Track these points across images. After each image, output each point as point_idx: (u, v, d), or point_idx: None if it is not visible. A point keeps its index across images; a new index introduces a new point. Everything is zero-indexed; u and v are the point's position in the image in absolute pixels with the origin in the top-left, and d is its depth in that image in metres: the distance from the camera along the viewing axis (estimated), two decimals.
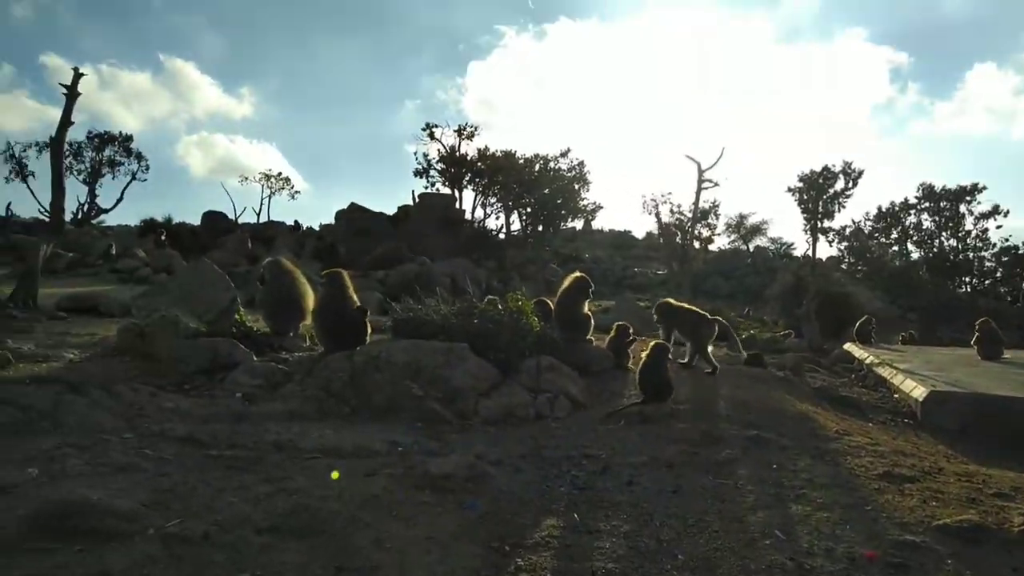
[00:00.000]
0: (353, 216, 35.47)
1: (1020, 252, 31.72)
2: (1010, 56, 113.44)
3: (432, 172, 40.44)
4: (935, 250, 33.56)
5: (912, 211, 34.29)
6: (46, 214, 17.01)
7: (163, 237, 29.92)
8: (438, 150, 40.49)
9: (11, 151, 36.46)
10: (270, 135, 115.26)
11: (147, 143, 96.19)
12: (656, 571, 2.86)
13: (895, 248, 35.47)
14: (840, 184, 32.43)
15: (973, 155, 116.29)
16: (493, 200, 41.20)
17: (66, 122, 14.54)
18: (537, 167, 41.27)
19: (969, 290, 32.88)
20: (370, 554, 2.89)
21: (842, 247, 34.96)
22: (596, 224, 51.28)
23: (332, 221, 37.33)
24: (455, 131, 40.41)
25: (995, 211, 32.34)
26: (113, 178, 39.97)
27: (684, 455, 4.37)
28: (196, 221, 38.01)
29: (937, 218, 33.79)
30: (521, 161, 40.69)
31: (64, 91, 14.43)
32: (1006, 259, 32.12)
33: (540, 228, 42.54)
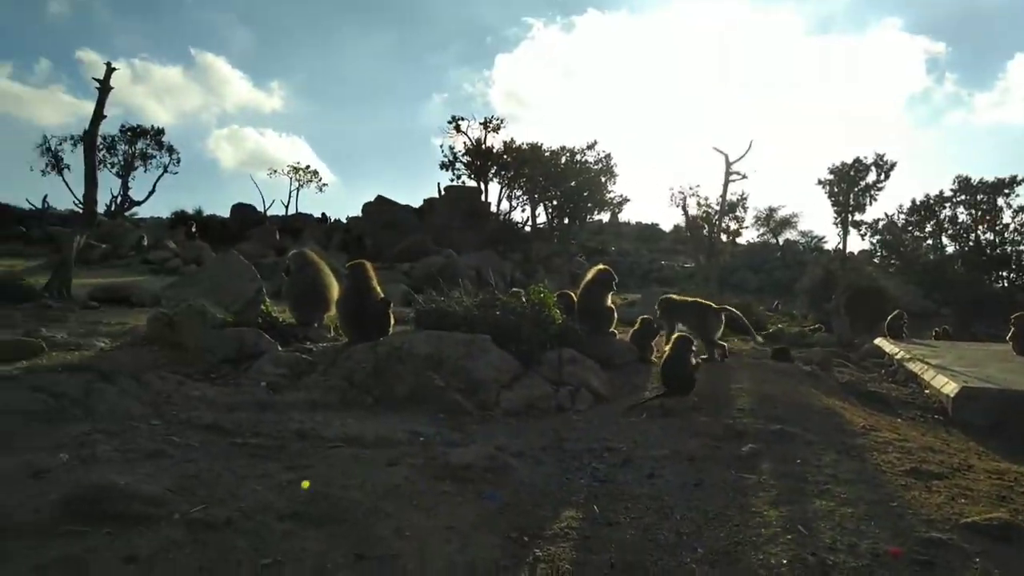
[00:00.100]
0: (379, 209, 35.69)
1: None
2: None
3: (458, 165, 40.54)
4: (971, 243, 32.81)
5: (947, 204, 33.57)
6: (80, 206, 17.38)
7: (193, 229, 30.44)
8: (464, 143, 40.56)
9: (47, 145, 37.41)
10: (299, 128, 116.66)
11: (178, 136, 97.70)
12: (675, 564, 2.84)
13: (929, 242, 34.78)
14: (872, 176, 31.84)
15: (1012, 146, 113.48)
16: (519, 193, 41.20)
17: (99, 116, 14.74)
18: (563, 159, 41.12)
19: (1006, 284, 32.10)
20: (390, 543, 2.91)
21: (874, 240, 34.36)
22: (623, 217, 51.06)
23: (359, 214, 37.59)
24: (481, 124, 40.44)
25: None
26: (145, 171, 40.76)
27: (706, 449, 4.34)
28: (226, 213, 38.60)
29: (973, 211, 33.03)
30: (547, 153, 40.58)
31: (97, 85, 14.64)
32: None
33: (566, 221, 42.42)
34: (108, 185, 39.06)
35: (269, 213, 41.09)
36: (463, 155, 40.40)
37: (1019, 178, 31.89)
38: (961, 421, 6.21)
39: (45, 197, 34.29)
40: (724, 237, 36.64)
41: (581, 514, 3.35)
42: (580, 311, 7.55)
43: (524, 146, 40.14)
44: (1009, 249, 32.12)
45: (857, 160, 32.17)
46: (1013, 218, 31.90)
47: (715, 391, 5.83)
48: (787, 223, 45.48)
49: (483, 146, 40.09)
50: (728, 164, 27.66)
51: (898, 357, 9.68)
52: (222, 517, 2.97)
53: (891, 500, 3.52)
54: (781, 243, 45.47)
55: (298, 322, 7.54)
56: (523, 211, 41.90)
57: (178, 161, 41.24)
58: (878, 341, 12.38)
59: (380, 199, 36.71)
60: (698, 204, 36.09)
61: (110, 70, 14.86)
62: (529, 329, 6.21)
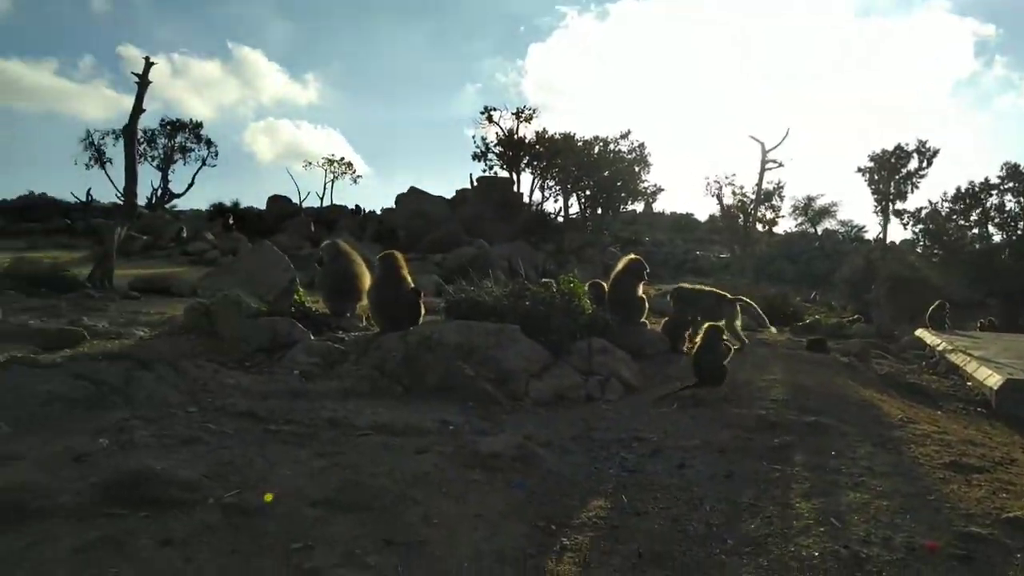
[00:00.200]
0: (412, 200, 35.90)
1: None
2: None
3: (490, 155, 40.48)
4: (1019, 232, 31.72)
5: (994, 191, 32.45)
6: (122, 199, 17.87)
7: (230, 221, 31.01)
8: (496, 133, 40.45)
9: (91, 139, 38.43)
10: (334, 120, 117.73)
11: (216, 129, 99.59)
12: (704, 555, 2.81)
13: (975, 231, 33.70)
14: (914, 164, 30.94)
15: None
16: (551, 183, 41.01)
17: (138, 110, 15.09)
18: (596, 149, 40.78)
19: None
20: (419, 529, 2.94)
21: (917, 230, 33.42)
22: (657, 207, 50.44)
23: (392, 205, 37.86)
24: (514, 114, 40.27)
25: None
26: (184, 164, 41.65)
27: (738, 440, 4.28)
28: (262, 205, 39.19)
29: (1022, 199, 31.89)
30: (580, 143, 40.26)
31: (136, 80, 14.98)
32: None
33: (599, 211, 42.13)
34: (149, 178, 40.03)
35: (304, 205, 41.65)
36: (495, 146, 40.35)
37: None
38: (1005, 414, 6.02)
39: (89, 190, 35.32)
40: (760, 227, 36.07)
41: (609, 504, 3.34)
42: (611, 301, 7.51)
43: (557, 136, 39.91)
44: None
45: (898, 147, 31.31)
46: None
47: (748, 382, 5.75)
48: (826, 212, 44.57)
49: (515, 136, 39.96)
50: (764, 152, 27.19)
51: (940, 348, 9.43)
52: (255, 502, 3.03)
53: (928, 493, 3.44)
54: (820, 233, 44.59)
55: (331, 312, 7.64)
56: (556, 201, 41.73)
57: (216, 154, 42.10)
58: (919, 332, 12.09)
59: (413, 190, 36.91)
60: (733, 193, 35.58)
61: (148, 64, 15.20)
62: (559, 319, 6.20)
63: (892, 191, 31.17)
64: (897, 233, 33.40)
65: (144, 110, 15.40)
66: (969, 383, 7.25)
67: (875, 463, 3.88)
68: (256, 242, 10.56)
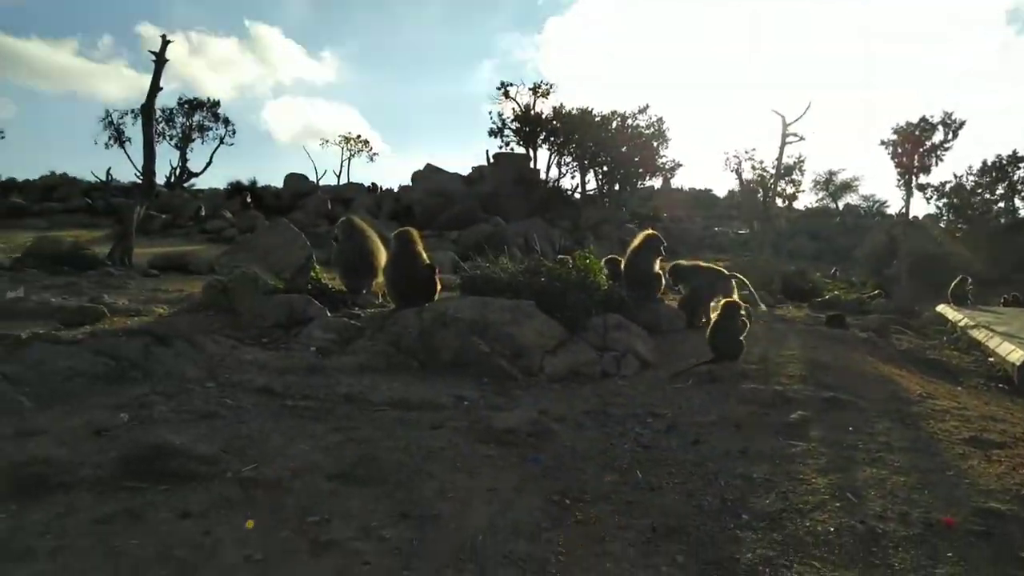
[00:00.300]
0: (429, 177, 35.80)
1: None
2: None
3: (507, 131, 40.11)
4: None
5: (1021, 164, 31.75)
6: (141, 178, 18.05)
7: (248, 199, 31.14)
8: (513, 109, 40.05)
9: (110, 118, 38.64)
10: (351, 98, 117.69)
11: (234, 108, 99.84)
12: (718, 529, 2.81)
13: (1001, 204, 33.06)
14: (939, 136, 30.26)
15: None
16: (568, 159, 40.61)
17: (155, 88, 15.12)
18: (614, 124, 40.28)
19: None
20: (433, 503, 2.96)
21: (940, 204, 32.84)
22: (675, 183, 49.91)
23: (409, 182, 37.79)
24: (530, 89, 39.81)
25: None
26: (203, 143, 41.79)
27: (754, 416, 4.25)
28: (279, 183, 39.26)
29: None
30: (597, 119, 39.77)
31: (153, 58, 15.00)
32: None
33: (616, 187, 41.74)
34: (167, 157, 40.35)
35: (321, 183, 41.69)
36: (512, 122, 39.97)
37: None
38: None
39: (108, 170, 35.39)
40: (780, 202, 35.60)
41: (623, 479, 3.34)
42: (627, 277, 7.46)
43: (574, 111, 39.44)
44: None
45: (923, 119, 30.61)
46: None
47: (765, 358, 5.70)
48: (847, 187, 44.02)
49: (532, 112, 39.56)
50: (785, 125, 26.73)
51: (961, 324, 9.30)
52: (272, 476, 3.07)
53: (947, 469, 3.40)
54: (841, 208, 44.00)
55: (347, 289, 7.66)
56: (572, 178, 41.32)
57: (233, 132, 42.19)
58: (941, 308, 11.92)
59: (429, 167, 36.79)
60: (753, 168, 35.08)
61: (165, 43, 15.20)
62: (574, 295, 6.17)
63: (916, 164, 30.54)
64: (920, 207, 32.89)
65: (161, 88, 15.47)
66: (991, 359, 7.15)
67: (893, 439, 3.84)
68: (273, 220, 10.60)
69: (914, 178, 30.88)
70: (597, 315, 6.18)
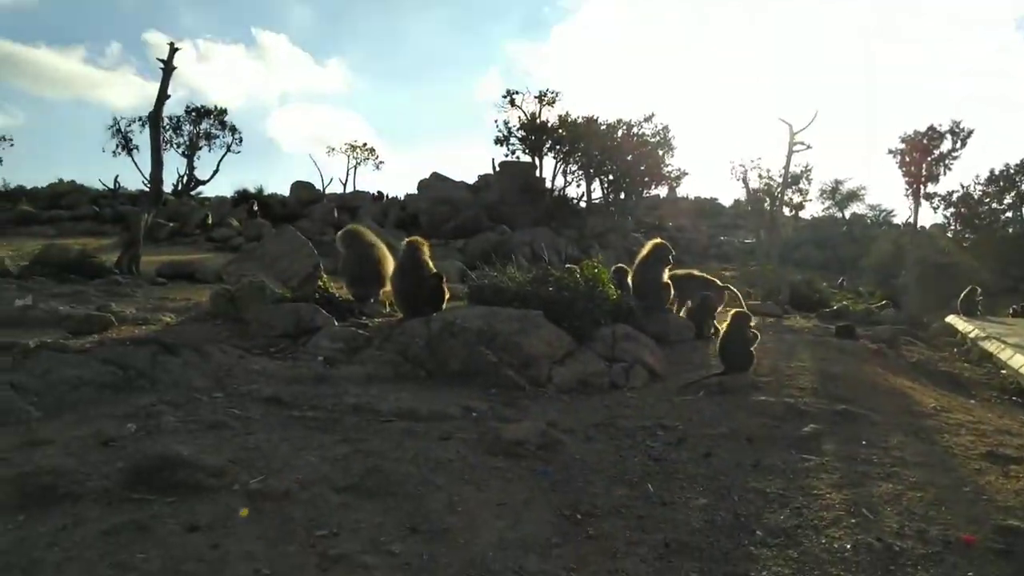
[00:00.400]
0: (434, 185, 35.84)
1: None
2: None
3: (512, 140, 40.08)
4: None
5: None
6: (149, 186, 18.15)
7: (255, 207, 31.21)
8: (519, 117, 40.04)
9: (117, 126, 38.79)
10: (357, 106, 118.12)
11: (240, 116, 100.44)
12: (732, 546, 2.76)
13: (1008, 214, 32.91)
14: (947, 145, 30.12)
15: None
16: (574, 167, 40.55)
17: (163, 96, 15.21)
18: (619, 133, 40.23)
19: None
20: (442, 516, 2.92)
21: (948, 213, 32.70)
22: (681, 191, 49.80)
23: (415, 191, 37.83)
24: (536, 97, 39.78)
25: None
26: (209, 151, 41.80)
27: (765, 428, 4.21)
28: (286, 191, 39.34)
29: None
30: (603, 127, 39.75)
31: (161, 66, 15.10)
32: None
33: (622, 196, 41.69)
34: (174, 165, 40.31)
35: (327, 191, 41.76)
36: (517, 130, 39.96)
37: None
38: None
39: (116, 177, 35.60)
40: (786, 210, 35.49)
41: (635, 492, 3.30)
42: (636, 287, 7.42)
43: (579, 119, 39.42)
44: None
45: (931, 128, 30.48)
46: None
47: (775, 369, 5.66)
48: (854, 196, 43.89)
49: (538, 120, 39.55)
50: (792, 134, 26.69)
51: (972, 335, 9.23)
52: (280, 488, 3.04)
53: (964, 485, 3.35)
54: (848, 217, 43.89)
55: (354, 298, 7.65)
56: (578, 186, 41.26)
57: (240, 140, 42.22)
58: (950, 319, 11.85)
59: (435, 175, 36.82)
60: (760, 176, 34.97)
61: (173, 50, 15.29)
62: (583, 305, 6.14)
63: (924, 173, 30.40)
64: (927, 217, 32.77)
65: (169, 96, 15.55)
66: (1003, 371, 7.09)
67: (907, 453, 3.79)
68: (280, 228, 10.60)
69: (922, 187, 30.75)
70: (605, 325, 6.15)
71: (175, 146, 39.90)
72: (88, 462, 3.19)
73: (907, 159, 30.41)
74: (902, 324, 11.79)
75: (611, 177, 40.71)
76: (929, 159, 30.22)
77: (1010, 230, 32.15)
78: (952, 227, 33.50)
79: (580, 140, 38.37)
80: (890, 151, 31.16)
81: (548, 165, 39.79)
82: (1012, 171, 31.82)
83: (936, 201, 32.44)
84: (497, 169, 37.22)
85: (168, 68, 15.13)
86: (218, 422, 3.90)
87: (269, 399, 4.42)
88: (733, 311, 5.77)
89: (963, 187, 32.39)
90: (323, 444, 3.66)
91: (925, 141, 30.21)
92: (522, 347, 5.50)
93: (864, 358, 6.51)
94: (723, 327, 5.66)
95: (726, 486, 3.36)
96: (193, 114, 41.24)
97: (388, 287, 7.37)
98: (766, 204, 35.45)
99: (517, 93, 39.62)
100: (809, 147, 27.21)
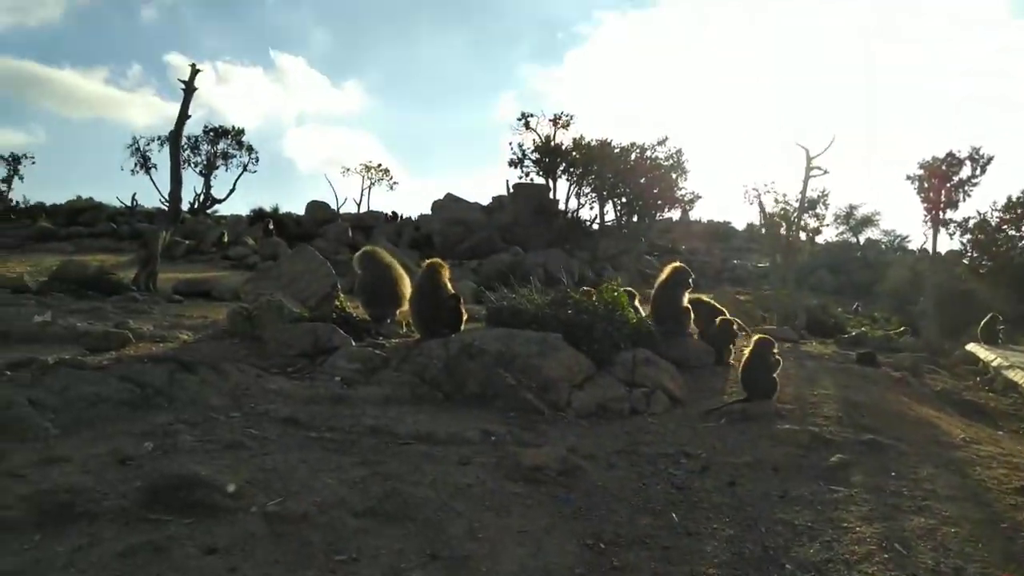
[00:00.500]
0: (448, 206, 36.01)
1: None
2: None
3: (527, 162, 40.30)
4: None
5: None
6: (166, 204, 18.34)
7: (270, 226, 31.44)
8: (533, 140, 40.28)
9: (137, 145, 39.35)
10: (372, 127, 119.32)
11: (258, 136, 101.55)
12: None
13: None
14: (966, 171, 29.91)
15: None
16: (587, 190, 40.66)
17: (184, 116, 15.41)
18: (633, 156, 40.37)
19: None
20: (463, 543, 2.86)
21: (964, 240, 32.36)
22: (694, 215, 49.77)
23: (429, 211, 38.02)
24: (550, 120, 40.07)
25: None
26: (226, 170, 42.31)
27: (791, 458, 4.12)
28: (301, 211, 39.64)
29: None
30: (617, 150, 39.91)
31: (182, 87, 15.31)
32: None
33: (635, 218, 41.71)
34: (192, 183, 40.80)
35: (342, 211, 42.02)
36: (532, 152, 40.18)
37: None
38: None
39: (134, 195, 35.91)
40: (803, 235, 35.30)
41: (659, 522, 3.22)
42: (655, 311, 7.35)
43: (593, 143, 39.61)
44: None
45: (950, 154, 30.27)
46: None
47: (799, 397, 5.56)
48: (868, 221, 43.62)
49: (552, 143, 39.77)
50: (808, 159, 26.62)
51: (995, 364, 9.06)
52: (298, 511, 2.99)
53: (999, 520, 3.25)
54: (862, 242, 43.61)
55: (371, 318, 7.62)
56: (591, 208, 41.35)
57: (257, 160, 42.71)
58: (971, 347, 11.65)
59: (449, 196, 37.02)
60: (776, 201, 34.82)
61: (194, 72, 15.50)
62: (602, 328, 6.07)
63: (943, 199, 30.14)
64: (943, 243, 32.36)
65: (190, 116, 15.73)
66: None
67: (938, 485, 3.69)
68: (297, 247, 10.63)
69: (941, 213, 30.49)
70: (625, 349, 6.08)
71: (193, 165, 40.42)
72: (105, 480, 3.15)
73: (926, 185, 30.22)
74: (922, 351, 11.61)
75: (624, 200, 40.81)
76: (948, 185, 30.02)
77: None
78: (968, 254, 33.11)
79: (594, 163, 38.53)
80: (908, 177, 31.01)
81: (562, 187, 39.94)
82: None
83: (952, 227, 32.13)
84: (511, 191, 37.38)
85: (189, 89, 15.34)
86: (235, 442, 3.87)
87: (286, 419, 4.38)
88: (756, 336, 5.69)
89: (979, 214, 32.07)
90: (341, 466, 3.62)
91: (944, 167, 30.03)
92: (541, 370, 5.44)
93: (887, 386, 6.40)
94: (745, 353, 5.58)
95: (752, 517, 3.28)
96: (211, 134, 41.81)
97: (405, 307, 7.33)
98: (782, 229, 35.28)
99: (532, 116, 39.91)
100: (826, 172, 27.11)
